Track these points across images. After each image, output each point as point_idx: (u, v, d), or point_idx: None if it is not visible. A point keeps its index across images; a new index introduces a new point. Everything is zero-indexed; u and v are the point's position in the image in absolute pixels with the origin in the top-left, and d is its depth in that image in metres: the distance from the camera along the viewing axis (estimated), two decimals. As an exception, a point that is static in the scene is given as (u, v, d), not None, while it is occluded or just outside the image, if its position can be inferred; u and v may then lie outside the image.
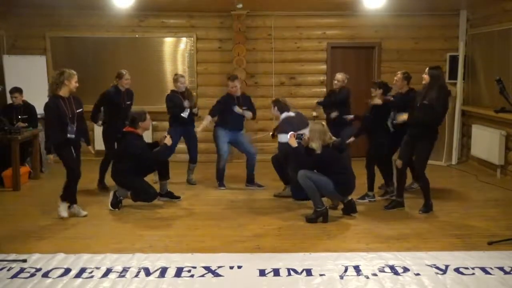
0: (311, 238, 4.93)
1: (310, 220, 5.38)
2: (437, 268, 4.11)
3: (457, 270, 4.07)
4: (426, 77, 5.52)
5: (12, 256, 4.34)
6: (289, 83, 8.98)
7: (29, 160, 7.49)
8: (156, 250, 4.54)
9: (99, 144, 7.18)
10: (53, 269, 4.10)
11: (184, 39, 8.88)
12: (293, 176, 5.77)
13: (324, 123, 5.83)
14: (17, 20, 8.60)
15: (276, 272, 4.04)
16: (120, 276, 3.97)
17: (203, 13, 8.77)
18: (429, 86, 5.47)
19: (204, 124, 6.82)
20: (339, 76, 7.02)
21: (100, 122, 6.74)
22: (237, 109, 6.76)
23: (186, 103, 6.86)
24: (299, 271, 4.06)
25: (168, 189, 6.29)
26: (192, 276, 3.98)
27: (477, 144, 8.10)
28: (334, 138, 5.57)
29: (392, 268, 4.12)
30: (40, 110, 7.05)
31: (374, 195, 6.24)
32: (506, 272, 4.03)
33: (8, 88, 7.48)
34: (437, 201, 5.90)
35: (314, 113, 8.56)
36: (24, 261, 4.23)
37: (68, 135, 5.34)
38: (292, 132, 5.64)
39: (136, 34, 8.82)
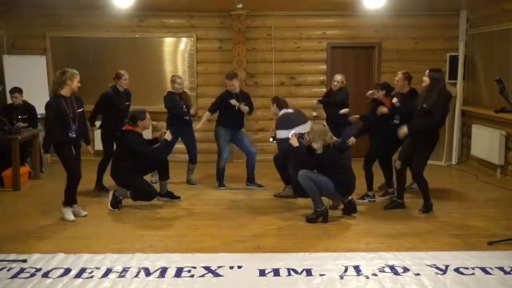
0: (311, 238, 4.93)
1: (310, 220, 5.38)
2: (437, 268, 4.11)
3: (457, 270, 4.07)
4: (426, 80, 5.51)
5: (12, 256, 4.34)
6: (289, 83, 8.98)
7: (29, 160, 7.50)
8: (156, 250, 4.54)
9: (99, 144, 7.18)
10: (53, 269, 4.10)
11: (184, 39, 8.88)
12: (293, 175, 5.78)
13: (324, 123, 5.84)
14: (17, 20, 8.60)
15: (276, 272, 4.04)
16: (120, 276, 3.97)
17: (203, 13, 8.77)
18: (429, 89, 5.46)
19: (202, 121, 6.89)
20: (338, 77, 7.08)
21: (96, 126, 6.72)
22: (233, 101, 6.74)
23: (189, 113, 6.98)
24: (299, 271, 4.06)
25: (168, 189, 6.29)
26: (192, 276, 3.98)
27: (477, 144, 8.10)
28: (335, 138, 5.57)
29: (392, 268, 4.12)
30: (40, 110, 7.07)
31: (374, 195, 6.24)
32: (506, 272, 4.03)
33: (8, 88, 7.47)
34: (437, 201, 5.90)
35: (314, 113, 8.57)
36: (24, 261, 4.23)
37: (70, 135, 5.34)
38: (293, 132, 5.64)
39: (136, 34, 8.83)
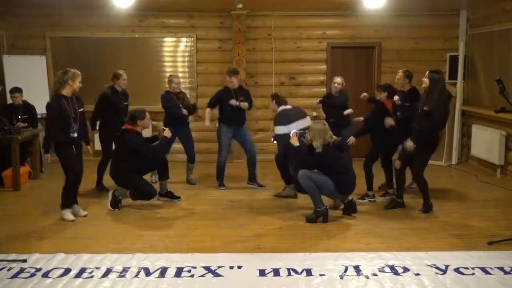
0: (311, 238, 4.93)
1: (310, 220, 5.38)
2: (437, 268, 4.11)
3: (457, 270, 4.07)
4: (426, 81, 5.51)
5: (12, 256, 4.34)
6: (289, 83, 8.98)
7: (29, 160, 7.50)
8: (156, 250, 4.54)
9: (98, 144, 7.17)
10: (53, 269, 4.10)
11: (184, 39, 8.88)
12: (294, 175, 5.78)
13: (325, 122, 5.83)
14: (17, 20, 8.60)
15: (276, 272, 4.04)
16: (120, 276, 3.97)
17: (203, 13, 8.77)
18: (429, 90, 5.47)
19: (207, 117, 6.92)
20: (339, 79, 7.09)
21: (97, 130, 6.70)
22: (233, 102, 6.75)
23: (190, 118, 7.03)
24: (299, 271, 4.06)
25: (168, 189, 6.29)
26: (192, 276, 3.98)
27: (477, 144, 8.10)
28: (335, 137, 5.57)
29: (392, 268, 4.12)
30: (40, 110, 7.07)
31: (374, 195, 6.24)
32: (506, 272, 4.03)
33: (8, 88, 7.47)
34: (437, 201, 5.90)
35: (314, 113, 8.57)
36: (24, 261, 4.23)
37: (72, 135, 5.34)
38: (294, 131, 5.64)
39: (136, 34, 8.82)
